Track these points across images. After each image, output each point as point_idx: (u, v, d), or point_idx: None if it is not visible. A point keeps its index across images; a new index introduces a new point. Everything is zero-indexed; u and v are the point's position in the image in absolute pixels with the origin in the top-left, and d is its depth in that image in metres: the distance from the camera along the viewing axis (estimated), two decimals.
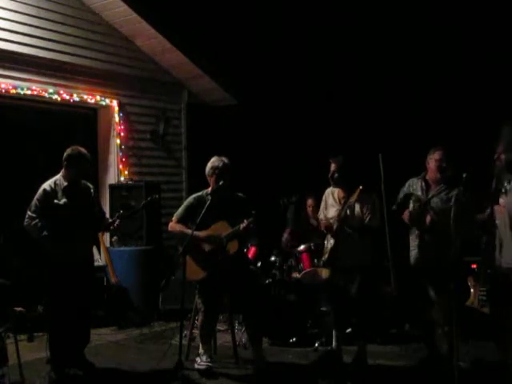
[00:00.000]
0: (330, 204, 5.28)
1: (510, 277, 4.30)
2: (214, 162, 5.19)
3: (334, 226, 5.04)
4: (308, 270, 6.37)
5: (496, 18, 9.04)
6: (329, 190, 5.35)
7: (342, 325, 5.31)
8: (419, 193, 4.97)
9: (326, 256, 5.19)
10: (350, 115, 9.54)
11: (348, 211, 4.99)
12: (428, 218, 4.82)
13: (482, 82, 8.90)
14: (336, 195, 5.25)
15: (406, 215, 4.96)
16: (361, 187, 4.81)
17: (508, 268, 4.33)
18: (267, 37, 10.29)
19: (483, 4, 9.05)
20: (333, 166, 5.14)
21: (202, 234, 5.05)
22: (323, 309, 5.97)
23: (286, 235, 6.95)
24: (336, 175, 5.11)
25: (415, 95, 9.35)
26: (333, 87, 9.77)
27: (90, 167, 5.18)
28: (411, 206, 4.96)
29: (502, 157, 4.42)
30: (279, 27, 10.40)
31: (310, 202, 7.00)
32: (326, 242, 5.25)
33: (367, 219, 5.05)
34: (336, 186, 5.21)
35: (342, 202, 5.10)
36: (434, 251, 4.78)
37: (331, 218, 5.16)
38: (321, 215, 5.41)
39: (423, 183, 4.99)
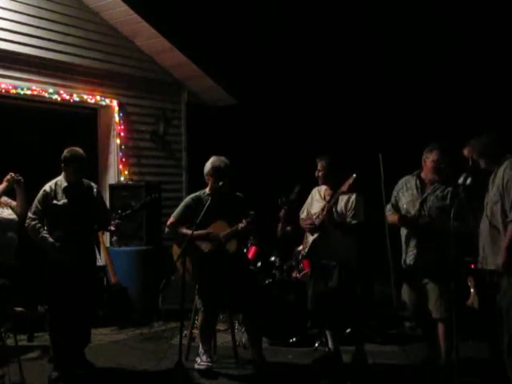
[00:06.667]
0: (316, 200, 5.25)
1: (493, 277, 4.26)
2: (214, 161, 5.16)
3: (317, 222, 5.01)
4: (308, 269, 6.36)
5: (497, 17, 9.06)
6: (316, 188, 5.33)
7: (331, 323, 5.23)
8: (414, 191, 4.91)
9: (307, 249, 5.16)
10: (350, 115, 9.56)
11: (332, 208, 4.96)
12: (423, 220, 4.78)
13: (481, 81, 8.90)
14: (323, 192, 5.22)
15: (396, 218, 4.90)
16: (354, 175, 4.76)
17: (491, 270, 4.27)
18: (267, 37, 10.30)
19: (484, 4, 9.07)
20: (318, 165, 5.14)
21: (201, 231, 5.03)
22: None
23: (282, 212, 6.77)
24: (321, 174, 5.11)
25: (415, 95, 9.36)
26: (333, 87, 9.78)
27: (86, 167, 5.20)
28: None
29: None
30: (279, 27, 10.41)
31: None
32: (306, 236, 5.23)
33: (350, 215, 4.99)
34: (323, 183, 5.20)
35: (328, 198, 5.08)
36: (433, 252, 4.72)
37: (314, 214, 5.13)
38: (303, 213, 5.35)
39: (418, 181, 4.91)
